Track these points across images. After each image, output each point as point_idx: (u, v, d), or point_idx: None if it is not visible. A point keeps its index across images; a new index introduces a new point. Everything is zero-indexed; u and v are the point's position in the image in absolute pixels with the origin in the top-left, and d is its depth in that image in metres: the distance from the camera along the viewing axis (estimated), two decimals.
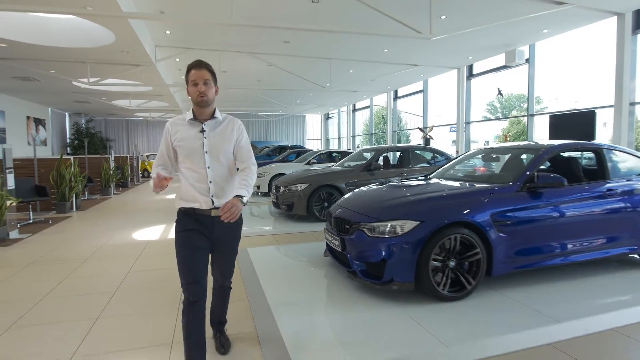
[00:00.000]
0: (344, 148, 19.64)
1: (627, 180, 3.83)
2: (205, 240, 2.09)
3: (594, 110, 7.24)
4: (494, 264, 3.18)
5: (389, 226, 3.11)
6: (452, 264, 3.10)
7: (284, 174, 8.53)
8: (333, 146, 23.20)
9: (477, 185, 3.55)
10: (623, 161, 4.00)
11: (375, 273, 3.17)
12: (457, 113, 11.77)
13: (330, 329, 2.74)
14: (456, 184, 3.82)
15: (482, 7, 6.83)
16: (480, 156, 4.60)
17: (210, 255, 2.17)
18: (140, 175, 17.68)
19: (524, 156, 4.07)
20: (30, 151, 12.05)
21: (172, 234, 4.02)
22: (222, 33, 7.63)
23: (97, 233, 6.01)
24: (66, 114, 20.20)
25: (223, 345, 2.39)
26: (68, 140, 20.22)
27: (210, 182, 2.06)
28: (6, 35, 7.04)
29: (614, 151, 3.95)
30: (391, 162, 7.58)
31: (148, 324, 2.84)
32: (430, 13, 5.95)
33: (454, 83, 11.82)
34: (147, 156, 20.00)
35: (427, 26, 6.07)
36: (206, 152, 2.05)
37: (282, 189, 6.79)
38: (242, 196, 1.99)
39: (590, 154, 4.37)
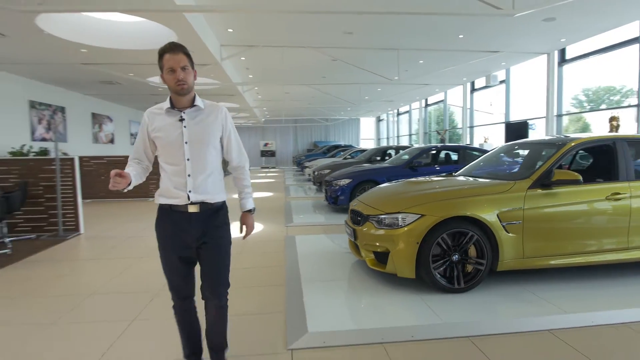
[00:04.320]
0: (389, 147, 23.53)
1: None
2: (184, 242, 1.94)
3: (526, 121, 10.49)
4: None
5: (339, 182, 7.35)
6: None
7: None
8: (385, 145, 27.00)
9: (383, 165, 7.67)
10: (473, 153, 7.74)
11: (335, 201, 7.43)
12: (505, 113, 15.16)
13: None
14: (379, 165, 7.93)
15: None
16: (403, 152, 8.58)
17: (197, 257, 2.01)
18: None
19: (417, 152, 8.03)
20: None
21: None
22: (283, 29, 8.07)
23: None
24: None
25: None
26: None
27: (189, 175, 1.89)
28: (85, 41, 7.56)
29: (467, 150, 7.71)
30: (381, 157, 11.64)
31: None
32: None
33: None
34: None
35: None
36: (186, 143, 1.88)
37: (316, 173, 11.20)
38: (251, 210, 2.10)
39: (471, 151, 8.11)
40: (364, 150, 14.98)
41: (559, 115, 10.46)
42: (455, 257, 3.32)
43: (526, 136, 10.47)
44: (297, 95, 16.97)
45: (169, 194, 1.92)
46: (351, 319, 2.95)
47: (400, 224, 3.36)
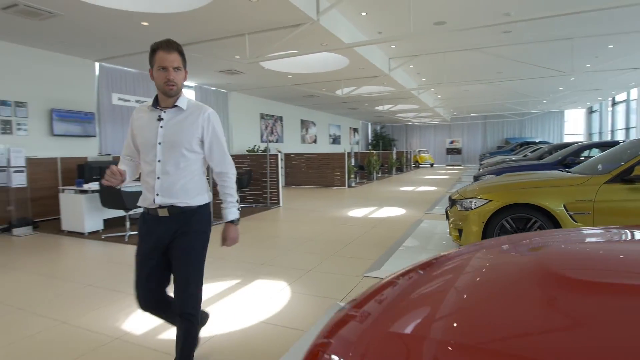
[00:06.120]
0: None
1: None
2: (154, 246, 1.87)
3: None
4: None
5: (484, 178, 7.87)
6: None
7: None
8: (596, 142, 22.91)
9: (536, 162, 7.66)
10: None
11: None
12: None
13: None
14: (531, 162, 7.92)
15: None
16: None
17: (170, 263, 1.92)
18: (412, 164, 24.85)
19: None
20: (348, 148, 20.93)
21: (413, 189, 10.01)
22: (442, 37, 8.95)
23: (388, 188, 12.76)
24: (368, 123, 29.85)
25: None
26: (369, 141, 29.83)
27: (158, 177, 1.82)
28: (290, 70, 10.65)
29: None
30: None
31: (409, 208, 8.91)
32: None
33: None
34: (419, 151, 27.04)
35: None
36: (159, 144, 1.81)
37: (480, 169, 11.47)
38: (233, 221, 1.92)
39: None
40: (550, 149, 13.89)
41: None
42: None
43: None
44: (478, 92, 16.89)
45: (143, 195, 1.90)
46: None
47: (472, 207, 4.24)
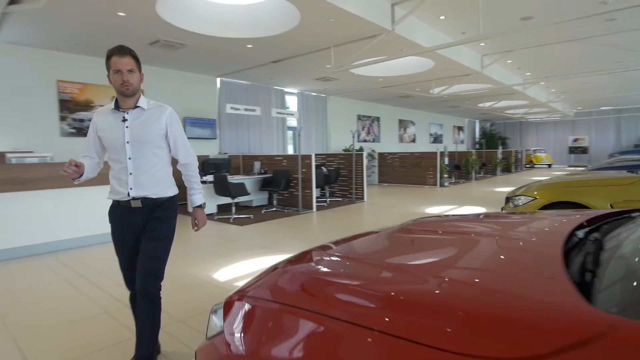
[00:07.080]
0: None
1: None
2: (131, 233, 2.06)
3: None
4: None
5: None
6: None
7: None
8: None
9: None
10: None
11: None
12: None
13: None
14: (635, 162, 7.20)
15: None
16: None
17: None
18: (525, 164, 23.00)
19: None
20: (450, 147, 20.38)
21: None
22: (536, 31, 8.62)
23: (482, 188, 12.49)
24: (476, 121, 28.37)
25: None
26: (477, 139, 28.36)
27: (131, 173, 2.00)
28: (380, 74, 11.14)
29: None
30: None
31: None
32: None
33: None
34: (534, 150, 24.82)
35: None
36: (127, 143, 1.98)
37: (586, 168, 10.49)
38: (201, 205, 2.20)
39: None
40: None
41: None
42: None
43: None
44: (601, 84, 15.04)
45: (114, 190, 2.05)
46: None
47: (519, 204, 4.43)
